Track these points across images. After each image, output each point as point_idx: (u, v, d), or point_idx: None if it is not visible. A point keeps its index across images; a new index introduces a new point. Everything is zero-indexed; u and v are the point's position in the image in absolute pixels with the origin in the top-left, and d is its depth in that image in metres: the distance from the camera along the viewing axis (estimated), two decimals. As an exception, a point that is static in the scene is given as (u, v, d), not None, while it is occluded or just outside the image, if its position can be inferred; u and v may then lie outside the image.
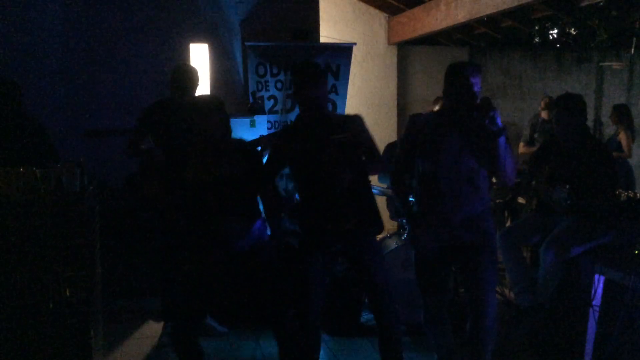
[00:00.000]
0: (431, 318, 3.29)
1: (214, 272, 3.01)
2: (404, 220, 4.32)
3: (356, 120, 3.09)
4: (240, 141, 3.14)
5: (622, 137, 6.65)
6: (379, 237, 4.20)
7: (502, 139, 2.88)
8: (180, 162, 3.00)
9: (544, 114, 6.98)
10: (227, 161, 2.96)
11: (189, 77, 4.10)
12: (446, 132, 3.01)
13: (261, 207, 3.20)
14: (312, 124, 3.01)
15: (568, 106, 3.81)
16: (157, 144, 3.96)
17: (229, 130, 3.03)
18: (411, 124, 3.16)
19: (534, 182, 4.22)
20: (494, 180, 3.93)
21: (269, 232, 3.24)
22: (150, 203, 3.97)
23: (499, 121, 2.86)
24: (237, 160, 2.98)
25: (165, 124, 3.98)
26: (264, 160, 3.19)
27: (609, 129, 7.54)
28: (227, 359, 3.76)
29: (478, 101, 2.88)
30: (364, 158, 3.07)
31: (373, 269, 3.10)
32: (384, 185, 4.66)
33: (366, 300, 4.40)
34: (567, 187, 3.73)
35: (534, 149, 6.09)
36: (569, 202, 3.73)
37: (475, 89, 2.91)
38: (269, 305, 3.07)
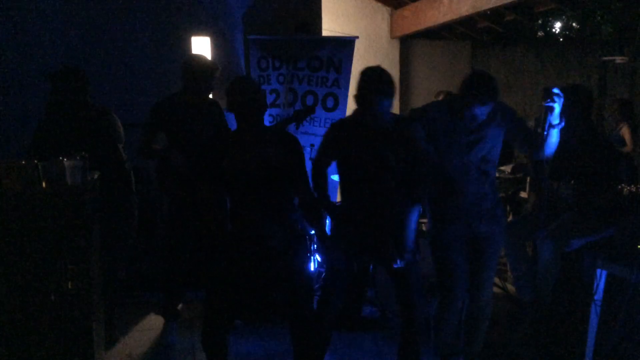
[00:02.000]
0: (445, 313, 3.29)
1: (247, 269, 2.90)
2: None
3: (410, 127, 3.00)
4: (283, 131, 3.03)
5: (625, 132, 6.64)
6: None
7: (555, 130, 3.04)
8: (219, 152, 2.86)
9: None
10: (270, 149, 2.85)
11: (206, 69, 3.84)
12: (458, 122, 3.08)
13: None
14: (367, 126, 2.93)
15: (573, 97, 3.79)
16: (173, 142, 3.83)
17: (264, 110, 2.90)
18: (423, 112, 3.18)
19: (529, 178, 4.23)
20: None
21: (302, 229, 3.13)
22: (174, 200, 3.92)
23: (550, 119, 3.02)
24: (279, 149, 2.87)
25: (180, 121, 3.79)
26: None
27: (611, 124, 7.51)
28: (230, 356, 3.76)
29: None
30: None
31: (411, 281, 3.04)
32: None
33: (368, 294, 4.43)
34: (572, 182, 3.73)
35: None
36: (574, 198, 3.73)
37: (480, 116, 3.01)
38: (293, 302, 2.99)
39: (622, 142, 6.70)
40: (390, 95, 2.83)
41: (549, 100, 2.95)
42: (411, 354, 3.15)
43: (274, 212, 2.88)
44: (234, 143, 2.89)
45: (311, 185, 3.05)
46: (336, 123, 3.11)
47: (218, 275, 2.95)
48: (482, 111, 2.98)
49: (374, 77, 2.84)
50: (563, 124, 3.02)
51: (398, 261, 2.94)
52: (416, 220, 3.03)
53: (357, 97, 2.89)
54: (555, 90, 2.96)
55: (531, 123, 7.08)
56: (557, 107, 2.97)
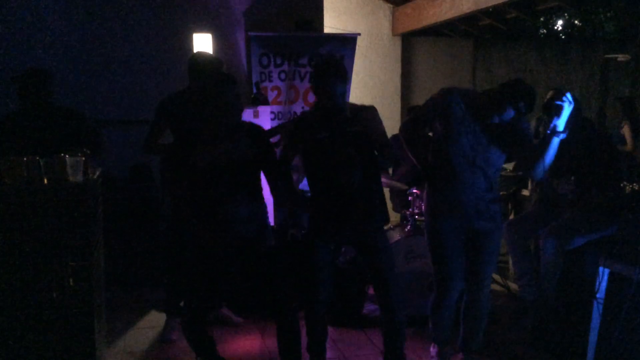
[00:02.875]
0: (441, 304, 3.33)
1: (221, 257, 3.01)
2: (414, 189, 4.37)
3: (369, 110, 3.13)
4: (252, 124, 3.11)
5: (626, 130, 6.63)
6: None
7: (556, 139, 2.97)
8: (191, 145, 2.96)
9: None
10: (240, 144, 2.95)
11: (213, 66, 3.84)
12: (471, 119, 3.07)
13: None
14: (327, 115, 3.02)
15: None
16: (179, 139, 3.81)
17: (240, 111, 3.00)
18: (445, 95, 3.16)
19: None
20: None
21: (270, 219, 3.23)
22: (175, 196, 3.93)
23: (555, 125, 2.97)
24: (248, 144, 2.97)
25: (186, 118, 3.78)
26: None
27: (613, 122, 7.51)
28: (231, 353, 3.76)
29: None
30: (376, 152, 3.09)
31: (381, 261, 3.13)
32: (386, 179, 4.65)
33: (368, 291, 4.42)
34: (573, 178, 3.72)
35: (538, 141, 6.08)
36: (574, 195, 3.72)
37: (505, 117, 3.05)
38: (272, 295, 3.07)
39: (623, 140, 6.69)
40: (343, 79, 2.97)
41: (561, 100, 2.89)
42: (394, 350, 3.24)
43: (241, 201, 2.96)
44: (204, 137, 2.95)
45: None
46: (297, 117, 3.23)
47: (190, 262, 3.02)
48: (510, 116, 2.99)
49: (324, 64, 3.03)
50: (565, 135, 2.97)
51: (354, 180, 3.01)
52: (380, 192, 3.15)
53: (313, 87, 3.05)
54: (569, 95, 2.90)
55: (533, 123, 7.09)
56: (566, 110, 2.91)
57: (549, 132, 2.98)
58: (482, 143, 3.08)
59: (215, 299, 3.15)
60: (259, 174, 3.07)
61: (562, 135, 2.97)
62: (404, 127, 3.30)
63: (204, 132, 2.99)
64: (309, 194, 3.26)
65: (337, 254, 3.29)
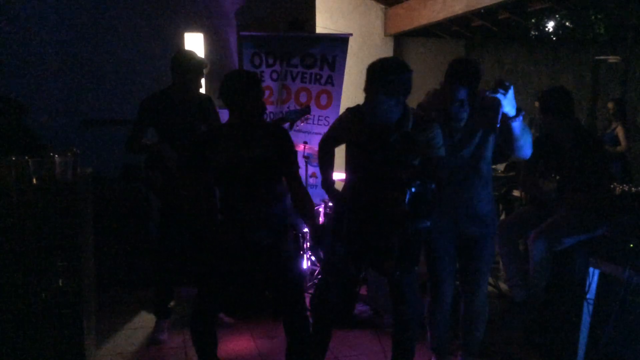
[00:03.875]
0: (436, 309, 3.32)
1: (238, 258, 2.93)
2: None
3: (431, 126, 2.89)
4: (277, 126, 3.05)
5: (619, 131, 6.68)
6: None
7: (515, 124, 2.86)
8: (210, 145, 2.86)
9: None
10: (263, 144, 2.87)
11: (194, 63, 3.82)
12: (475, 121, 3.04)
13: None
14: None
15: (549, 102, 3.80)
16: (162, 137, 3.82)
17: (264, 108, 2.90)
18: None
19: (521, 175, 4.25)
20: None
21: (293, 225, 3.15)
22: (159, 194, 3.91)
23: (501, 115, 2.83)
24: (271, 144, 2.89)
25: (168, 116, 3.78)
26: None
27: (604, 123, 7.55)
28: (222, 354, 3.75)
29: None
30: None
31: (408, 292, 3.04)
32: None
33: (360, 292, 4.43)
34: (557, 178, 3.74)
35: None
36: (557, 194, 3.75)
37: (460, 97, 2.90)
38: (287, 300, 3.01)
39: (617, 141, 6.74)
40: (392, 94, 2.74)
41: (498, 90, 2.72)
42: (404, 352, 3.16)
43: (261, 206, 2.89)
44: (227, 137, 2.88)
45: (317, 161, 3.00)
46: (353, 108, 3.02)
47: (207, 266, 2.97)
48: (465, 94, 2.89)
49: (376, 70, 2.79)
50: (521, 116, 2.85)
51: (398, 273, 2.87)
52: (423, 234, 2.92)
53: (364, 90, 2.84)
54: (506, 83, 2.76)
55: (526, 122, 7.10)
56: (504, 99, 2.73)
57: (498, 125, 2.86)
58: (462, 143, 3.04)
59: (227, 303, 3.06)
60: (281, 176, 2.96)
61: (517, 119, 2.84)
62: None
63: (226, 131, 2.91)
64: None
65: (356, 264, 3.13)
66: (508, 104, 2.77)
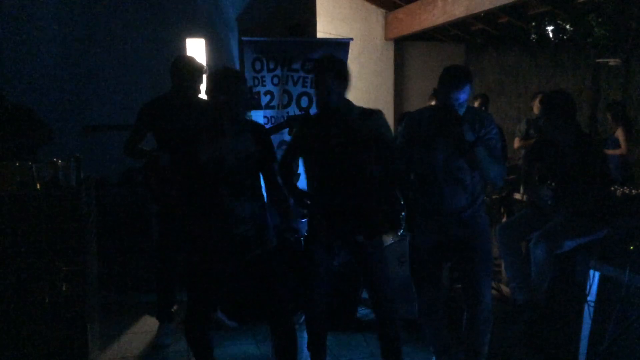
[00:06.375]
0: (426, 312, 3.34)
1: (222, 256, 2.95)
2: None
3: (378, 115, 3.10)
4: (254, 122, 3.12)
5: (620, 134, 6.68)
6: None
7: (479, 150, 2.91)
8: (194, 140, 2.90)
9: (535, 109, 6.97)
10: (244, 141, 2.93)
11: (194, 69, 3.85)
12: (438, 130, 3.04)
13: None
14: (330, 117, 3.06)
15: (552, 106, 3.81)
16: (161, 144, 3.83)
17: (246, 107, 3.00)
18: (409, 120, 3.19)
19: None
20: None
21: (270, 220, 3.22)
22: (157, 200, 3.92)
23: (469, 136, 2.89)
24: (252, 140, 2.95)
25: (167, 121, 3.78)
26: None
27: (605, 126, 7.56)
28: (225, 358, 3.76)
29: (461, 109, 2.93)
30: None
31: (373, 263, 3.16)
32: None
33: (363, 295, 4.43)
34: (553, 184, 3.75)
35: (531, 141, 6.13)
36: (553, 200, 3.76)
37: (462, 98, 2.92)
38: (269, 298, 3.05)
39: (618, 144, 6.74)
40: (340, 77, 3.01)
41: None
42: (391, 350, 3.26)
43: (245, 200, 2.93)
44: (208, 132, 2.91)
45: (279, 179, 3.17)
46: (297, 117, 3.31)
47: (193, 265, 2.98)
48: (460, 96, 2.90)
49: (322, 59, 3.07)
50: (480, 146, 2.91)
51: (361, 237, 3.03)
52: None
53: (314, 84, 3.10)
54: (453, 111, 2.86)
55: (523, 125, 7.13)
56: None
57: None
58: (451, 150, 3.02)
59: (215, 300, 3.11)
60: (259, 172, 3.05)
61: (475, 145, 2.90)
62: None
63: (209, 127, 2.94)
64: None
65: (333, 254, 3.30)
66: (468, 130, 2.87)
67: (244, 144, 2.92)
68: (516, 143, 7.13)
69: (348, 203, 3.05)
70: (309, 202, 3.22)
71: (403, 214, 4.18)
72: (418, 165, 3.15)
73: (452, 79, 2.92)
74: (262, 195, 3.08)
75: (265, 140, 3.03)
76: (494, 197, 5.35)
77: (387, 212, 3.13)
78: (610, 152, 6.51)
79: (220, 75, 2.91)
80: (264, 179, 3.08)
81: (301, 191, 3.32)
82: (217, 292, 3.11)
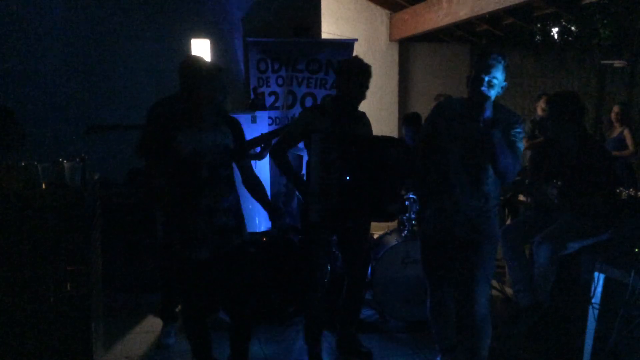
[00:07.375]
0: (434, 310, 3.33)
1: (205, 248, 2.95)
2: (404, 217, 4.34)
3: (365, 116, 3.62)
4: (229, 116, 3.16)
5: (627, 135, 6.66)
6: (377, 233, 4.27)
7: (496, 132, 2.85)
8: (174, 131, 2.92)
9: (539, 111, 6.94)
10: (222, 132, 2.99)
11: (203, 72, 3.91)
12: (462, 124, 3.02)
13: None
14: (347, 112, 3.46)
15: (560, 107, 3.80)
16: None
17: (225, 98, 3.08)
18: (437, 107, 3.25)
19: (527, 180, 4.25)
20: None
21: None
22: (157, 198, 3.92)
23: (488, 113, 2.90)
24: (229, 132, 3.02)
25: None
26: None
27: (610, 128, 7.54)
28: (227, 358, 3.76)
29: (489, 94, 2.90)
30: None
31: (358, 239, 3.57)
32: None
33: (366, 297, 4.43)
34: (559, 183, 3.74)
35: (537, 141, 6.12)
36: (559, 198, 3.75)
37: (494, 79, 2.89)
38: (234, 291, 3.10)
39: (622, 145, 6.71)
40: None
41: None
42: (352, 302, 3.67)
43: (224, 192, 2.98)
44: (185, 124, 2.93)
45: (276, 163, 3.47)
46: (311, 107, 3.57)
47: (179, 261, 2.99)
48: (494, 77, 2.86)
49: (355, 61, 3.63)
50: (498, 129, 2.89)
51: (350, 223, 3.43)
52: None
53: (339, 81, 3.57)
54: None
55: (528, 124, 7.12)
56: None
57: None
58: (473, 145, 3.00)
59: (208, 292, 3.11)
60: (232, 164, 3.11)
61: (494, 126, 2.87)
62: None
63: (188, 118, 2.96)
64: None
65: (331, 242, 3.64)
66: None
67: (221, 136, 2.98)
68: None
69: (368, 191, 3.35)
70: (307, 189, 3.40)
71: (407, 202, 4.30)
72: (434, 162, 3.11)
73: (484, 57, 2.92)
74: (236, 188, 3.13)
75: (241, 132, 3.12)
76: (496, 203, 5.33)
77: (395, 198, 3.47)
78: (617, 153, 6.49)
79: (192, 67, 2.96)
80: (240, 170, 3.16)
81: (301, 178, 3.65)
82: (205, 283, 3.08)
